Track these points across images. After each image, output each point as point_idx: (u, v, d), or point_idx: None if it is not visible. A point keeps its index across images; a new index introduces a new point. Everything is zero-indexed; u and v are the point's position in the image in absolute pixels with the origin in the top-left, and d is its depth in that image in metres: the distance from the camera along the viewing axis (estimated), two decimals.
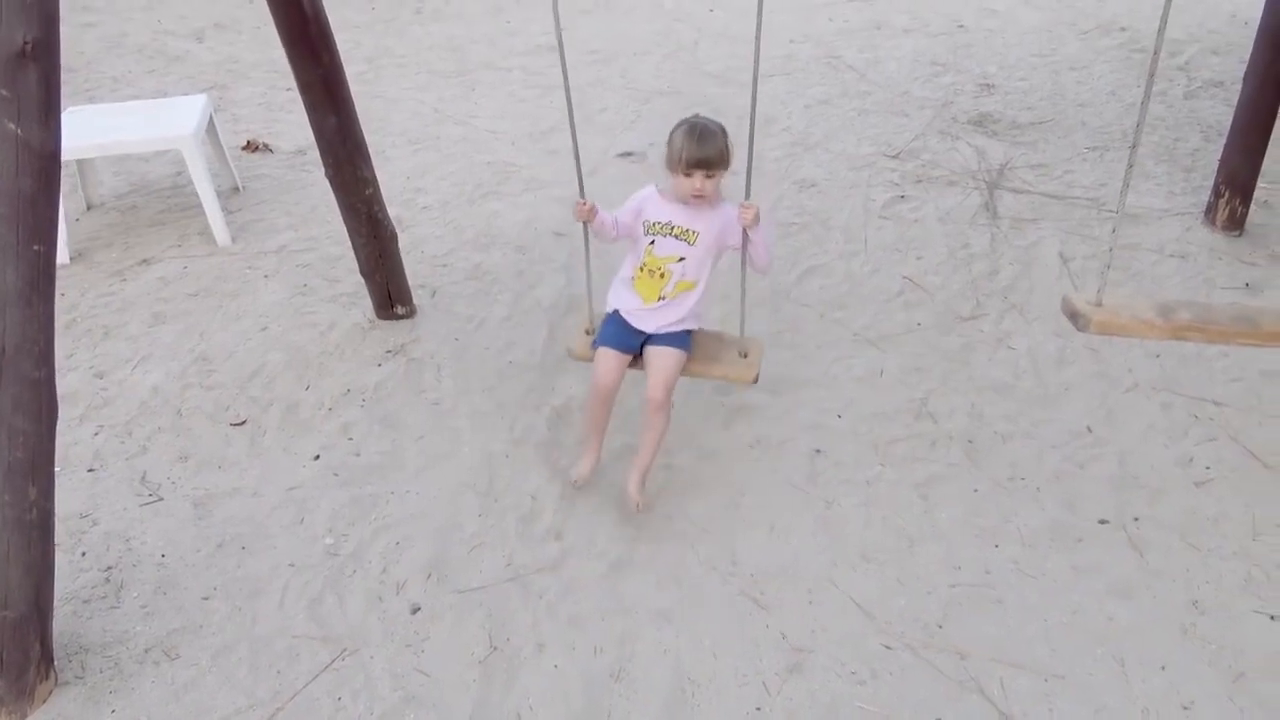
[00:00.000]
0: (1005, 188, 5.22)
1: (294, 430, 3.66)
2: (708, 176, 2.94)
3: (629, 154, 5.75)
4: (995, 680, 2.66)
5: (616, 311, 3.20)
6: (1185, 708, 2.58)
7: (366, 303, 4.30)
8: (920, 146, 5.73)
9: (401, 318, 4.26)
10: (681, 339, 3.14)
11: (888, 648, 2.77)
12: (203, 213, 4.95)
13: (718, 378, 3.21)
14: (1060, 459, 3.43)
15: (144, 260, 4.81)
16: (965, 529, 3.16)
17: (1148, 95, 2.37)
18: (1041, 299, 4.28)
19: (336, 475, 3.44)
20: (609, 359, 3.14)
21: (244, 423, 3.70)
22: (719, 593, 2.97)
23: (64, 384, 3.77)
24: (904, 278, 4.47)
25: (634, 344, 3.16)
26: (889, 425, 3.61)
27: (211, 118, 5.18)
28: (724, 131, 2.96)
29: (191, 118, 4.92)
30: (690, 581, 3.01)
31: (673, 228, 3.05)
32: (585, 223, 3.07)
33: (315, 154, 4.12)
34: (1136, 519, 3.18)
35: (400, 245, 4.18)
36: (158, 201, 5.41)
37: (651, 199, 3.11)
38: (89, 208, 5.30)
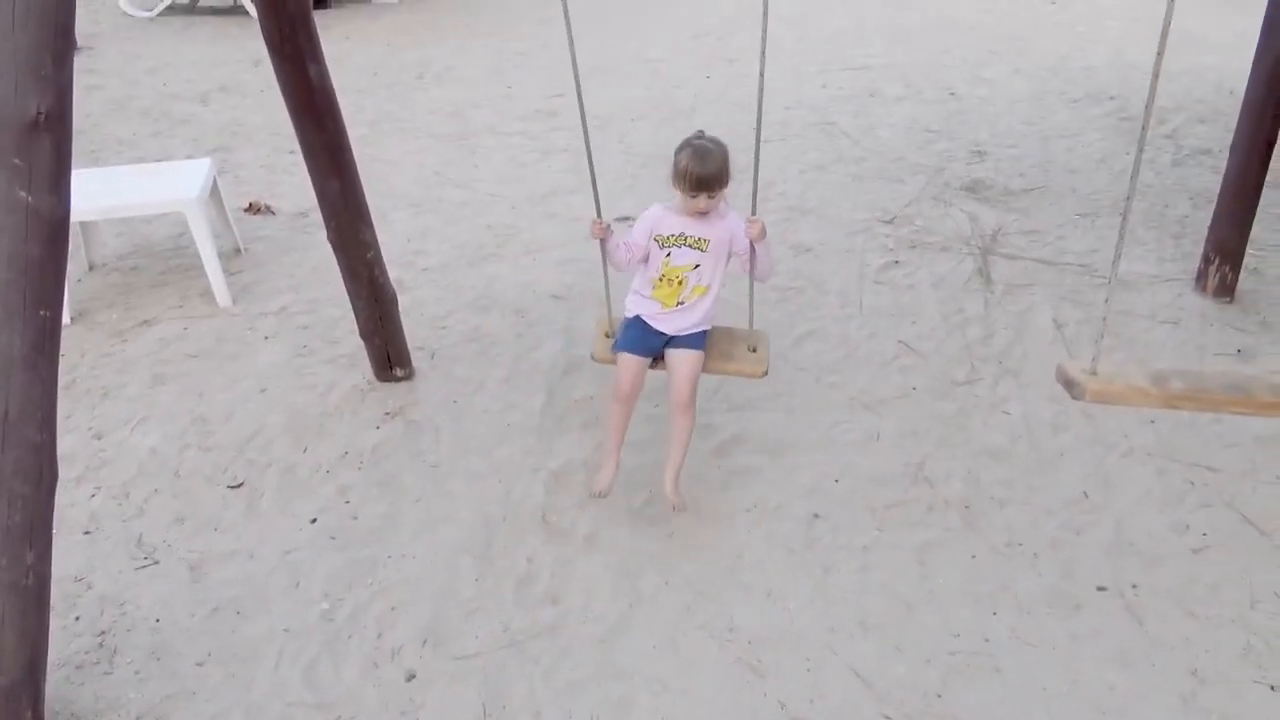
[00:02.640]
0: (998, 253, 5.29)
1: (291, 493, 3.66)
2: (710, 196, 3.18)
3: (626, 218, 5.81)
4: None
5: (638, 316, 3.39)
6: None
7: (365, 365, 4.32)
8: (914, 212, 5.81)
9: (400, 379, 4.29)
10: (699, 340, 3.38)
11: (887, 718, 2.75)
12: (204, 274, 4.99)
13: (732, 373, 3.45)
14: (1057, 525, 3.43)
15: (145, 321, 4.84)
16: (963, 596, 3.16)
17: (1138, 164, 2.43)
18: (1035, 364, 4.31)
19: (333, 539, 3.44)
20: (631, 364, 3.34)
21: (241, 485, 3.70)
22: (716, 659, 2.96)
23: (62, 445, 3.76)
24: (899, 342, 4.51)
25: (655, 346, 3.37)
26: (886, 490, 3.62)
27: (215, 180, 5.24)
28: (723, 151, 3.18)
29: (195, 181, 4.99)
30: (687, 647, 3.00)
31: (685, 238, 3.28)
32: (601, 241, 3.29)
33: (317, 216, 4.18)
34: (1135, 586, 3.18)
35: (400, 307, 4.22)
36: (159, 262, 5.46)
37: (660, 216, 3.33)
38: (91, 268, 5.35)
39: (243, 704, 2.82)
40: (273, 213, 6.06)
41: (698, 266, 3.31)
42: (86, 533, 3.48)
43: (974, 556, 3.31)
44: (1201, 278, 4.81)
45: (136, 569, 3.32)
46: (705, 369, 3.39)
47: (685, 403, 3.31)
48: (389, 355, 4.24)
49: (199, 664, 2.96)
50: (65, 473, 3.65)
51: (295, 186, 6.30)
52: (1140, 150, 2.43)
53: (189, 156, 6.66)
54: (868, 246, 5.41)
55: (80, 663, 2.96)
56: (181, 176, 5.09)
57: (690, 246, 3.29)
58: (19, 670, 2.51)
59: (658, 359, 3.40)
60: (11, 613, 2.48)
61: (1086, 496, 3.56)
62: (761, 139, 3.12)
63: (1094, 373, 2.66)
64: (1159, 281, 4.95)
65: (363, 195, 3.92)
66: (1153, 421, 3.90)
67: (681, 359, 3.35)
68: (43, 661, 2.60)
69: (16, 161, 2.38)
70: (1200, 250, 4.86)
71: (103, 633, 3.07)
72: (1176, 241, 5.34)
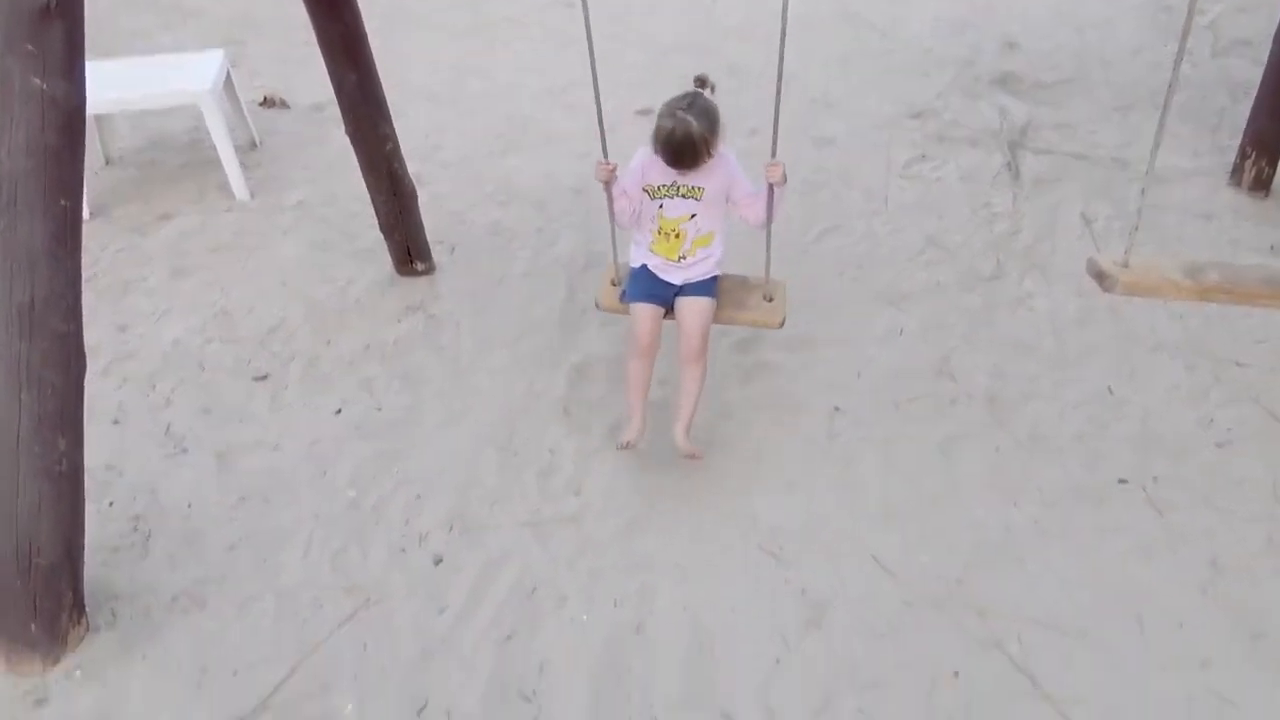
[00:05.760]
0: (1028, 147, 5.17)
1: (315, 385, 3.68)
2: (691, 170, 2.99)
3: (647, 111, 5.69)
4: (1014, 637, 2.69)
5: (644, 266, 3.23)
6: (1203, 665, 2.60)
7: (386, 258, 4.29)
8: (942, 106, 5.66)
9: (421, 274, 4.26)
10: (709, 287, 3.20)
11: (907, 604, 2.79)
12: (221, 168, 4.94)
13: (745, 323, 3.28)
14: (1082, 419, 3.42)
15: (163, 215, 4.81)
16: (986, 488, 3.17)
17: (1181, 53, 2.33)
18: (1063, 259, 4.24)
19: (358, 429, 3.47)
20: (647, 314, 3.17)
21: (265, 377, 3.72)
22: (738, 548, 3.00)
23: (87, 337, 3.74)
24: (925, 237, 4.44)
25: (667, 296, 3.20)
26: (909, 384, 3.60)
27: (229, 73, 5.15)
28: (704, 124, 2.88)
29: (209, 73, 4.90)
30: (709, 537, 3.03)
31: (678, 187, 3.08)
32: (605, 183, 3.03)
33: (332, 109, 4.11)
34: (1156, 479, 3.18)
35: (419, 201, 4.17)
36: (176, 156, 5.40)
37: (649, 163, 3.08)
38: (107, 163, 5.30)
39: (274, 588, 2.88)
40: (287, 106, 5.96)
41: (694, 217, 3.12)
42: (115, 422, 3.52)
43: (998, 449, 3.31)
44: (1237, 172, 4.69)
45: (165, 457, 3.37)
46: (717, 319, 3.21)
47: (696, 353, 3.14)
48: (409, 249, 4.21)
49: (230, 549, 3.02)
50: (92, 365, 3.65)
51: (309, 79, 6.15)
52: (1184, 40, 2.33)
53: (201, 50, 6.52)
54: (894, 140, 5.29)
55: (116, 546, 3.02)
56: (195, 68, 5.00)
57: (684, 196, 3.09)
58: (57, 553, 2.57)
59: (668, 309, 3.23)
60: (47, 498, 2.53)
61: (1112, 391, 3.54)
62: (783, 31, 2.83)
63: (1126, 265, 2.61)
64: (1193, 175, 4.83)
65: (380, 88, 3.84)
66: (1181, 317, 3.85)
67: (692, 308, 3.16)
68: (79, 543, 2.67)
69: (29, 48, 2.34)
70: (1237, 144, 4.73)
71: (136, 518, 3.13)
72: (1213, 134, 5.19)
